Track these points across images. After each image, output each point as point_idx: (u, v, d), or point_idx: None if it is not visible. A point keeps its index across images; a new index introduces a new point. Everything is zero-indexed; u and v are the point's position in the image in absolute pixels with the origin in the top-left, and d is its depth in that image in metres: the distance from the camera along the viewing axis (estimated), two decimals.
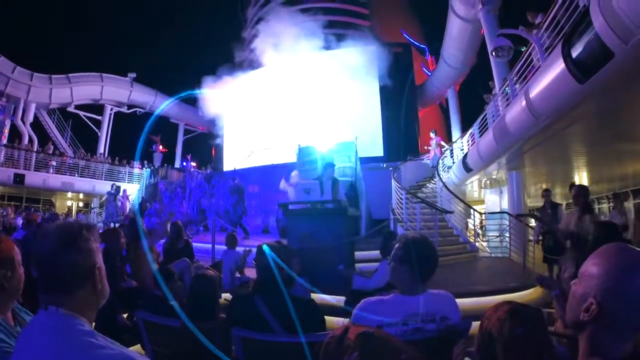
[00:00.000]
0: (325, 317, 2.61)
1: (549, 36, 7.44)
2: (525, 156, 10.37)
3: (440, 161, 15.85)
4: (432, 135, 17.76)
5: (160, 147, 31.09)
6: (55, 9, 37.95)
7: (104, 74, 28.32)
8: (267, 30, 21.78)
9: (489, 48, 12.47)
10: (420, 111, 24.92)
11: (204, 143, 30.96)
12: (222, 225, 11.96)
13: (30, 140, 24.96)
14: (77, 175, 23.61)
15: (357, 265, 6.87)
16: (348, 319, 2.59)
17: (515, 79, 9.27)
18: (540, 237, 8.54)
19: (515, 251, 10.09)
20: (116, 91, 29.07)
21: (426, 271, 2.09)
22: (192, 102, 24.68)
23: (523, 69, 8.88)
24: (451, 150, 16.22)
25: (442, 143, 17.91)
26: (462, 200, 12.36)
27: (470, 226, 12.30)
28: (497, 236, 11.44)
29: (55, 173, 22.74)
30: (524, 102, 7.81)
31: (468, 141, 13.87)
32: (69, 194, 25.82)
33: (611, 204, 14.25)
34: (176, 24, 46.89)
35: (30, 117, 25.29)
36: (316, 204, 6.71)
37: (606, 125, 8.09)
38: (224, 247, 6.97)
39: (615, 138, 8.96)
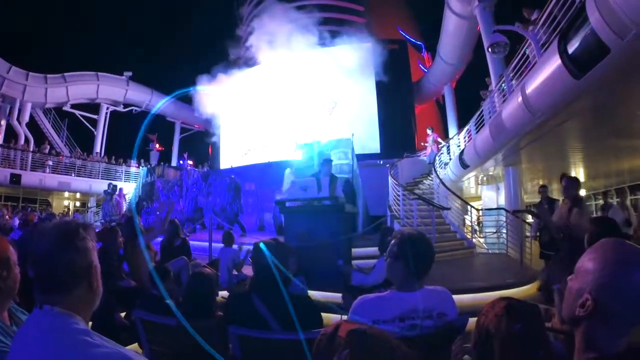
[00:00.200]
0: (322, 314, 2.61)
1: (545, 32, 7.44)
2: (521, 152, 10.38)
3: (437, 158, 15.86)
4: (428, 131, 17.78)
5: (157, 145, 31.01)
6: (51, 9, 37.78)
7: (99, 73, 28.27)
8: (263, 28, 21.75)
9: (485, 44, 12.46)
10: (416, 108, 24.93)
11: (200, 141, 30.97)
12: (219, 222, 11.96)
13: (27, 140, 24.91)
14: (73, 174, 23.54)
15: (355, 262, 6.86)
16: (345, 316, 2.59)
17: (511, 75, 9.27)
18: (538, 233, 8.56)
19: (512, 247, 10.11)
20: (112, 90, 29.01)
21: (422, 267, 2.09)
22: (189, 100, 24.57)
23: (519, 65, 8.88)
24: (448, 147, 16.22)
25: (439, 139, 17.93)
26: (459, 197, 12.38)
27: (467, 222, 12.32)
28: (494, 232, 11.47)
29: (52, 173, 22.69)
30: (520, 98, 7.81)
31: (465, 137, 13.88)
32: (66, 194, 25.76)
33: (608, 200, 14.27)
34: (172, 23, 46.77)
35: (26, 117, 25.23)
36: (313, 201, 6.70)
37: (602, 121, 8.11)
38: (221, 245, 6.96)
39: (611, 134, 8.98)
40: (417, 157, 18.40)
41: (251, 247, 2.71)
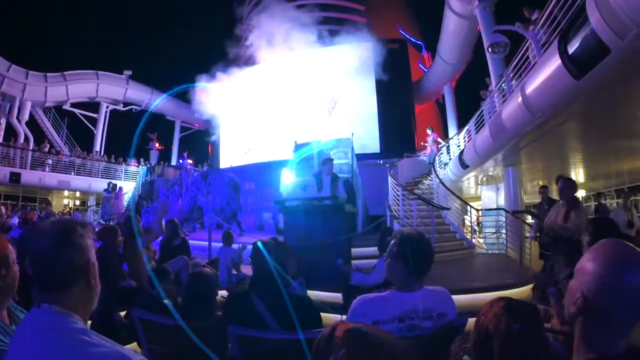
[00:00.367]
0: (322, 314, 2.61)
1: (545, 32, 7.43)
2: (521, 152, 10.38)
3: (437, 158, 15.85)
4: (428, 131, 17.78)
5: (157, 144, 31.01)
6: (51, 7, 37.77)
7: (99, 72, 28.27)
8: (263, 27, 21.73)
9: (485, 44, 12.46)
10: (416, 107, 24.92)
11: (200, 140, 30.96)
12: (218, 222, 11.96)
13: (26, 139, 24.91)
14: (73, 173, 23.55)
15: (354, 262, 6.86)
16: (345, 316, 2.59)
17: (511, 75, 9.26)
18: (537, 234, 8.55)
19: (512, 247, 10.11)
20: (112, 89, 29.01)
21: (422, 267, 2.08)
22: (189, 99, 24.56)
23: (519, 65, 8.88)
24: (447, 147, 16.22)
25: (439, 139, 17.93)
26: (458, 197, 12.38)
27: (467, 223, 12.32)
28: (494, 232, 11.47)
29: (51, 171, 22.70)
30: (520, 99, 7.81)
31: (464, 137, 13.88)
32: (66, 193, 25.77)
33: (601, 201, 14.26)
34: (172, 22, 46.78)
35: (25, 116, 25.23)
36: (313, 201, 6.70)
37: (602, 122, 8.11)
38: (220, 244, 6.96)
39: (611, 135, 8.98)
40: (417, 157, 18.40)
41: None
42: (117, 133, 29.60)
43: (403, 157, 17.57)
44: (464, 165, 12.75)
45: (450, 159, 15.21)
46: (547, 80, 6.69)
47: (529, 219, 11.20)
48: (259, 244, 2.56)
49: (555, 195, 7.65)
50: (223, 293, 5.24)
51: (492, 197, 15.14)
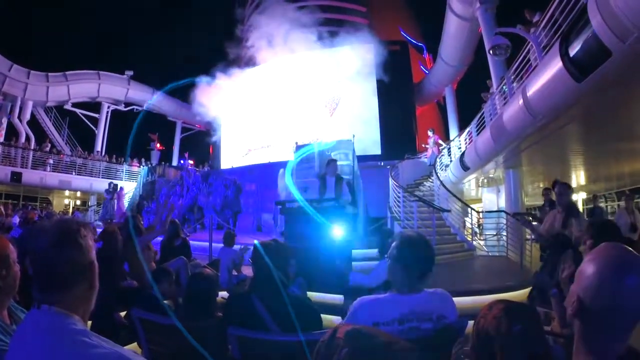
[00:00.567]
0: (322, 315, 2.61)
1: (547, 35, 7.43)
2: (522, 155, 10.38)
3: (438, 159, 15.84)
4: (429, 133, 17.76)
5: (158, 145, 31.04)
6: (52, 7, 37.79)
7: (101, 72, 28.31)
8: (264, 28, 21.77)
9: (487, 46, 12.46)
10: (417, 109, 24.90)
11: (201, 141, 30.95)
12: (219, 222, 11.97)
13: (27, 139, 24.94)
14: (74, 173, 23.55)
15: (355, 264, 6.86)
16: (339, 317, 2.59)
17: (512, 77, 9.26)
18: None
19: (513, 250, 10.10)
20: (113, 89, 29.04)
21: (422, 270, 2.09)
22: (190, 100, 24.56)
23: (520, 67, 8.88)
24: (449, 149, 16.21)
25: (440, 141, 17.91)
26: (459, 199, 12.38)
27: (468, 225, 12.31)
28: (495, 235, 11.46)
29: (53, 171, 22.70)
30: (521, 101, 7.81)
31: (465, 140, 13.87)
32: (67, 192, 25.79)
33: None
34: (174, 23, 46.78)
35: (27, 115, 25.27)
36: (313, 202, 6.70)
37: (603, 124, 8.10)
38: (221, 245, 6.96)
39: (612, 137, 8.97)
40: (418, 159, 18.37)
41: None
42: (118, 133, 29.67)
43: (404, 158, 17.56)
44: (464, 167, 12.74)
45: (451, 161, 15.21)
46: (549, 83, 6.69)
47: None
48: (259, 245, 2.56)
49: None
50: (223, 294, 5.24)
51: (493, 199, 15.11)
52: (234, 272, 6.54)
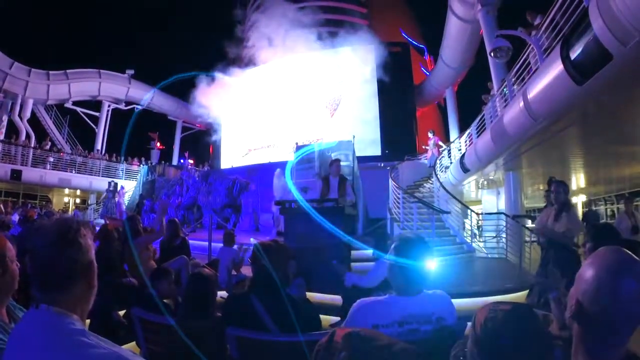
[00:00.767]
0: (321, 315, 2.61)
1: (548, 37, 7.44)
2: (522, 157, 10.38)
3: (438, 161, 15.83)
4: (430, 135, 17.76)
5: (158, 144, 31.05)
6: (53, 5, 37.83)
7: (102, 71, 28.33)
8: (266, 29, 21.78)
9: (488, 49, 12.47)
10: (418, 111, 24.94)
11: (201, 141, 30.97)
12: (218, 222, 11.97)
13: (28, 136, 24.95)
14: (74, 171, 23.59)
15: (353, 264, 6.85)
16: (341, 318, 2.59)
17: (513, 80, 9.26)
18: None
19: (512, 252, 10.09)
20: (114, 88, 29.08)
21: (421, 272, 2.09)
22: (191, 99, 24.56)
23: (521, 70, 8.88)
24: (449, 151, 16.21)
25: (440, 143, 17.91)
26: (459, 201, 12.36)
27: (467, 226, 12.30)
28: (494, 237, 11.45)
29: (52, 169, 22.73)
30: (521, 103, 7.81)
31: (466, 141, 13.87)
32: (66, 190, 25.79)
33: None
34: (175, 22, 46.82)
35: (27, 113, 25.28)
36: (313, 203, 6.70)
37: (604, 128, 8.10)
38: (221, 245, 6.95)
39: (612, 140, 8.98)
40: (418, 160, 18.37)
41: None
42: (118, 132, 29.68)
43: (404, 160, 17.57)
44: (465, 169, 12.74)
45: (451, 163, 15.20)
46: (549, 86, 6.69)
47: (530, 223, 11.19)
48: (259, 245, 2.56)
49: None
50: (222, 294, 5.24)
51: (493, 201, 15.10)
52: (233, 272, 6.53)
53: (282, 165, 12.44)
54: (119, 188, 18.86)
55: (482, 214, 13.65)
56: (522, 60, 8.83)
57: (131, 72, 29.52)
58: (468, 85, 23.12)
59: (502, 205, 13.03)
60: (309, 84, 22.03)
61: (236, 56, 24.72)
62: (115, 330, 3.65)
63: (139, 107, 30.30)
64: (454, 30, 18.23)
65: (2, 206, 13.73)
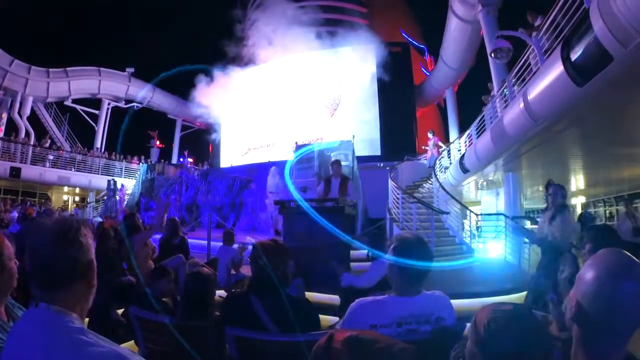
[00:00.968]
0: (320, 316, 2.60)
1: (548, 39, 7.43)
2: (522, 158, 10.37)
3: (438, 161, 15.83)
4: (429, 135, 17.76)
5: (158, 142, 31.04)
6: (53, 3, 37.75)
7: (101, 68, 28.31)
8: (266, 28, 21.78)
9: (488, 49, 12.48)
10: (418, 111, 24.95)
11: (201, 139, 30.94)
12: (218, 221, 11.97)
13: (27, 134, 24.94)
14: (73, 169, 23.58)
15: (353, 264, 6.86)
16: (340, 318, 2.58)
17: (513, 80, 9.25)
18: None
19: (511, 253, 10.09)
20: (114, 86, 29.06)
21: (421, 272, 2.08)
22: (190, 98, 24.54)
23: (522, 71, 8.88)
24: (448, 151, 16.21)
25: (440, 143, 17.91)
26: (458, 201, 12.36)
27: (467, 227, 12.30)
28: (493, 237, 11.44)
29: (52, 167, 22.72)
30: (522, 104, 7.80)
31: (465, 142, 13.87)
32: (65, 188, 25.77)
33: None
34: (175, 20, 46.73)
35: (27, 111, 25.26)
36: (312, 202, 6.71)
37: (604, 129, 8.10)
38: (220, 244, 6.96)
39: (612, 142, 8.97)
40: (418, 161, 18.38)
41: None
42: (118, 130, 29.65)
43: (404, 160, 17.56)
44: (464, 170, 12.74)
45: (450, 163, 15.20)
46: (550, 87, 6.69)
47: (529, 224, 11.19)
48: (258, 245, 2.56)
49: None
50: (221, 293, 5.24)
51: (492, 201, 15.10)
52: (232, 271, 6.53)
53: (281, 164, 12.45)
54: (119, 186, 18.85)
55: (481, 214, 13.67)
56: (522, 61, 8.83)
57: (131, 70, 29.51)
58: (468, 85, 23.18)
59: (502, 206, 13.03)
60: (309, 83, 22.04)
61: (236, 55, 24.70)
62: (113, 329, 3.65)
63: (139, 105, 30.31)
64: (455, 31, 18.24)
65: (1, 204, 13.71)
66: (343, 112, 21.85)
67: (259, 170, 16.51)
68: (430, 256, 2.16)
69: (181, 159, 28.96)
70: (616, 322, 1.09)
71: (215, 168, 22.56)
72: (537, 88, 7.13)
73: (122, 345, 1.27)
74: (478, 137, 11.76)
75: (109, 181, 18.52)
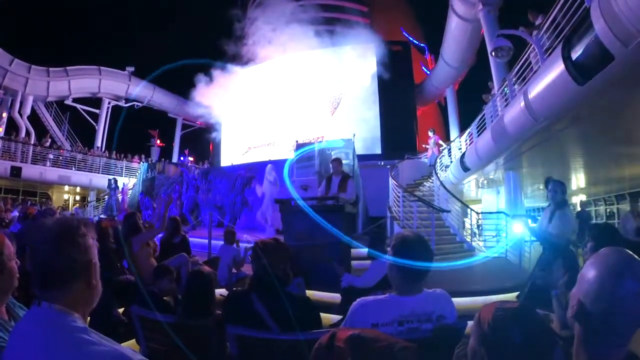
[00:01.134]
0: (321, 314, 2.61)
1: (549, 38, 7.43)
2: (523, 157, 10.38)
3: (438, 160, 15.82)
4: (430, 134, 17.75)
5: (158, 141, 31.04)
6: (54, 1, 37.74)
7: (102, 67, 28.26)
8: (266, 27, 21.75)
9: (489, 48, 12.46)
10: (418, 110, 24.93)
11: (201, 138, 30.90)
12: (219, 220, 11.97)
13: (27, 133, 24.93)
14: (74, 168, 23.56)
15: (353, 262, 6.86)
16: (342, 317, 2.58)
17: (514, 79, 9.25)
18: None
19: (511, 251, 10.09)
20: (114, 85, 29.01)
21: (421, 270, 2.08)
22: (191, 97, 24.51)
23: (522, 69, 8.87)
24: (449, 150, 16.20)
25: (440, 142, 17.89)
26: (459, 200, 12.36)
27: (467, 225, 12.30)
28: (494, 236, 11.45)
29: (52, 166, 22.71)
30: (522, 103, 7.80)
31: (466, 141, 13.86)
32: (66, 188, 25.75)
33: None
34: (175, 19, 46.73)
35: (27, 110, 25.25)
36: (312, 201, 6.70)
37: (604, 128, 8.10)
38: (221, 243, 6.96)
39: (613, 141, 8.97)
40: (418, 159, 18.36)
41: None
42: (119, 129, 29.66)
43: (404, 158, 17.55)
44: (465, 168, 12.74)
45: (451, 162, 15.19)
46: (550, 86, 6.69)
47: (529, 223, 11.17)
48: (259, 243, 2.56)
49: None
50: (222, 291, 5.25)
51: (493, 200, 15.11)
52: (234, 270, 6.54)
53: (277, 162, 12.44)
54: (121, 185, 18.85)
55: (482, 213, 13.66)
56: (523, 60, 8.82)
57: (131, 69, 29.46)
58: (469, 84, 23.14)
59: (502, 204, 13.03)
60: (309, 82, 22.03)
61: (236, 54, 24.67)
62: (115, 328, 3.66)
63: (139, 104, 30.31)
64: (455, 30, 18.22)
65: (2, 203, 13.71)
66: (343, 111, 21.84)
67: (259, 169, 16.49)
68: (430, 255, 2.16)
69: (182, 158, 28.95)
70: (617, 321, 1.09)
71: (216, 167, 22.55)
72: (538, 87, 7.13)
73: (123, 344, 1.27)
74: (479, 135, 11.76)
75: (109, 180, 18.50)
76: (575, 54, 5.76)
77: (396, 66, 21.09)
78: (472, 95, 18.10)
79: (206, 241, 8.72)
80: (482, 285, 6.87)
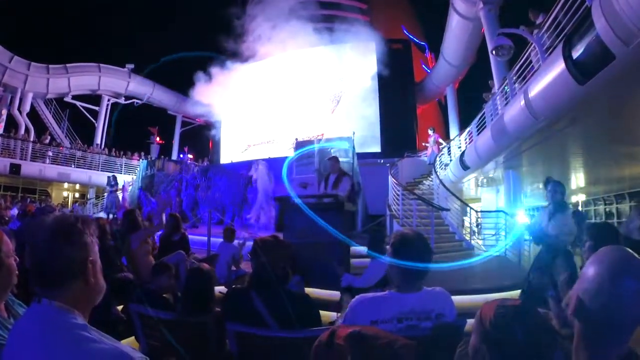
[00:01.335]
0: (320, 311, 2.60)
1: (550, 37, 7.42)
2: (522, 155, 10.37)
3: (438, 158, 15.84)
4: (430, 132, 17.76)
5: (158, 138, 31.01)
6: (53, 1, 37.66)
7: (101, 65, 28.19)
8: (267, 24, 21.71)
9: (489, 47, 12.44)
10: (418, 108, 24.92)
11: (201, 135, 30.87)
12: (219, 218, 11.97)
13: (27, 130, 24.88)
14: (73, 165, 23.54)
15: (352, 260, 6.86)
16: (341, 313, 2.58)
17: (514, 78, 9.25)
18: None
19: (511, 249, 10.10)
20: (114, 82, 28.95)
21: (420, 268, 2.08)
22: (191, 94, 24.48)
23: (523, 68, 8.87)
24: (449, 148, 16.21)
25: (440, 140, 17.90)
26: (458, 198, 12.37)
27: (467, 224, 12.31)
28: (493, 235, 11.46)
29: (52, 163, 22.69)
30: (522, 102, 7.80)
31: (466, 139, 13.87)
32: (65, 185, 25.78)
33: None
34: (175, 16, 46.64)
35: (27, 107, 25.21)
36: (311, 199, 6.70)
37: (605, 127, 8.09)
38: (220, 240, 6.96)
39: (613, 140, 8.96)
40: (418, 157, 18.39)
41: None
42: (118, 126, 29.62)
43: (404, 157, 17.57)
44: (464, 167, 12.74)
45: (451, 160, 15.20)
46: (551, 85, 6.68)
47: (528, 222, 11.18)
48: (259, 241, 2.56)
49: None
50: (222, 289, 5.24)
51: (492, 198, 15.12)
52: (233, 268, 6.53)
53: (280, 161, 12.43)
54: (121, 183, 18.84)
55: (481, 211, 13.67)
56: (523, 59, 8.82)
57: (131, 66, 29.40)
58: (469, 83, 23.15)
59: (502, 203, 13.04)
60: (309, 80, 22.01)
61: (236, 51, 24.63)
62: (114, 325, 3.66)
63: (139, 101, 30.28)
64: (456, 28, 18.19)
65: (1, 200, 13.71)
66: (343, 109, 21.81)
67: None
68: (430, 253, 2.17)
69: (181, 155, 28.94)
70: (616, 319, 1.09)
71: (216, 164, 22.54)
72: (538, 86, 7.12)
73: (123, 341, 1.27)
74: (478, 134, 11.76)
75: (109, 177, 18.48)
76: (576, 53, 5.75)
77: (396, 64, 21.07)
78: (472, 94, 18.12)
79: (205, 238, 8.72)
80: (481, 283, 6.89)
